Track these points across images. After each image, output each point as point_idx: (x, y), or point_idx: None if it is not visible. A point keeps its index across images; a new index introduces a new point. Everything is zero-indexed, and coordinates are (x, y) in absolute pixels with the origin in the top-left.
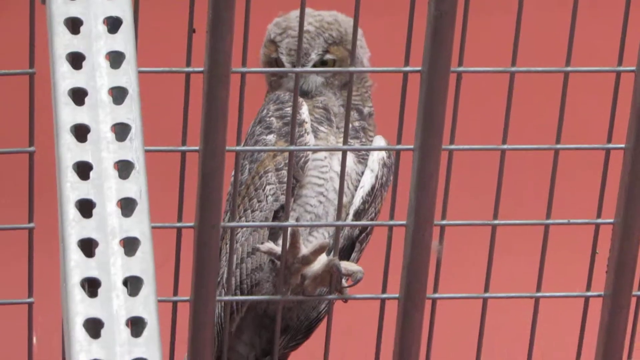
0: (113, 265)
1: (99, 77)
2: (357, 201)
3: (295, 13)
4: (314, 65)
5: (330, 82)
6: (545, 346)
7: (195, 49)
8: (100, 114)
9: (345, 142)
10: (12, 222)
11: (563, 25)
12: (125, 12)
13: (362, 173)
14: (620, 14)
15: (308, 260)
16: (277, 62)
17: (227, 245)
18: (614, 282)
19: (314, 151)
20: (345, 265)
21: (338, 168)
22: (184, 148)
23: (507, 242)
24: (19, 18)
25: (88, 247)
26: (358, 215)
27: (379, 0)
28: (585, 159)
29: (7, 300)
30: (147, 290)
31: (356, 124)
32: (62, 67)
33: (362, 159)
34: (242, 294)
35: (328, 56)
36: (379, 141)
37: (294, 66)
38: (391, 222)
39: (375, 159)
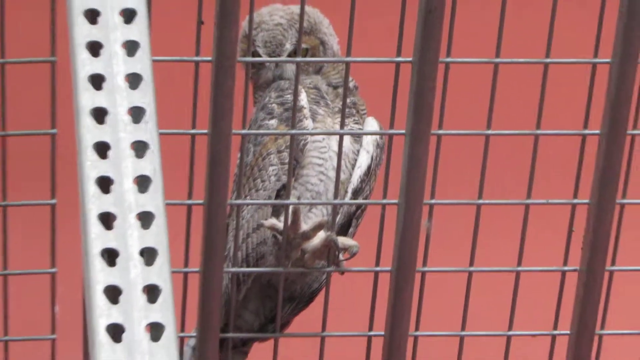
0: (130, 237)
1: (116, 65)
2: (355, 180)
3: (267, 9)
4: (289, 55)
5: (305, 68)
6: (525, 316)
7: (203, 39)
8: (117, 98)
9: (342, 124)
10: (36, 199)
11: (544, 19)
12: (139, 5)
13: (358, 152)
14: (597, 9)
15: (308, 235)
16: (254, 55)
17: (234, 222)
18: (588, 258)
19: (313, 134)
20: (342, 240)
21: (336, 147)
22: (193, 131)
23: (491, 221)
24: (40, 10)
25: (107, 220)
26: (356, 193)
27: (376, 2)
28: (564, 144)
29: (32, 271)
30: (162, 260)
31: (347, 100)
32: (82, 55)
33: (357, 138)
34: (247, 266)
35: (303, 46)
36: (372, 123)
37: (270, 57)
38: (384, 201)
39: (370, 140)
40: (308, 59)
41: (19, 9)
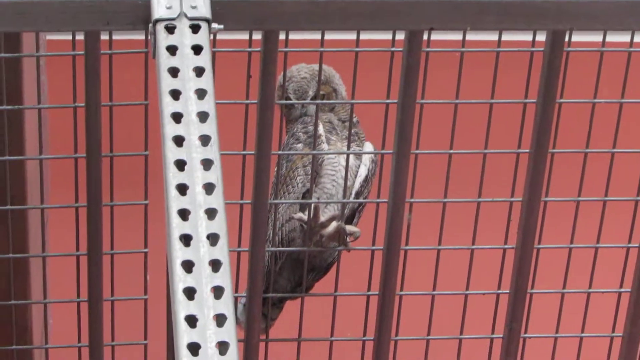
0: (200, 226)
1: (190, 105)
2: (357, 185)
3: (295, 67)
4: (312, 99)
5: (322, 107)
6: (474, 287)
7: (251, 88)
8: (191, 129)
9: (348, 147)
10: (134, 200)
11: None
12: (207, 63)
13: (359, 166)
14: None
15: (324, 225)
16: (287, 99)
17: (273, 215)
18: (522, 238)
19: (328, 154)
20: (349, 228)
21: (344, 163)
22: (244, 152)
23: (455, 215)
24: (136, 67)
25: (184, 214)
26: (357, 195)
27: (369, 59)
28: (506, 160)
29: (131, 250)
30: (222, 242)
31: (352, 131)
32: (167, 99)
33: (358, 157)
34: (282, 246)
35: (321, 92)
36: (368, 146)
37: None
38: (378, 200)
39: (367, 158)
40: (324, 101)
41: (122, 68)
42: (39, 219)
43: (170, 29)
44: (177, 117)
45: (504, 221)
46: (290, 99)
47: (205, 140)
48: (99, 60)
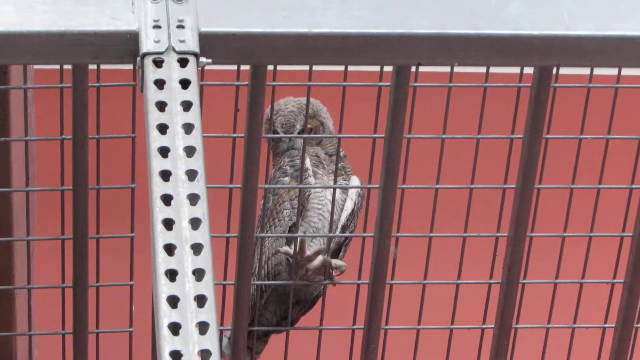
0: (185, 261)
1: (177, 140)
2: (343, 219)
3: (283, 100)
4: (299, 132)
5: (309, 141)
6: (459, 321)
7: (238, 122)
8: (178, 164)
9: (335, 181)
10: (120, 233)
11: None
12: (194, 98)
13: (345, 200)
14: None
15: (310, 258)
16: (274, 133)
17: (259, 249)
18: (507, 274)
19: (315, 187)
20: (335, 262)
21: (330, 197)
22: (231, 185)
23: (441, 250)
24: (124, 100)
25: (169, 249)
26: (344, 229)
27: (357, 92)
28: (493, 195)
29: (116, 283)
30: (208, 277)
31: (339, 165)
32: (154, 133)
33: (345, 191)
34: (267, 280)
35: (308, 126)
36: (355, 180)
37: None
38: (364, 234)
39: (354, 192)
40: (312, 135)
41: (109, 101)
42: (24, 251)
43: (158, 63)
44: (164, 152)
45: (489, 256)
46: (278, 133)
47: (191, 175)
48: (87, 93)
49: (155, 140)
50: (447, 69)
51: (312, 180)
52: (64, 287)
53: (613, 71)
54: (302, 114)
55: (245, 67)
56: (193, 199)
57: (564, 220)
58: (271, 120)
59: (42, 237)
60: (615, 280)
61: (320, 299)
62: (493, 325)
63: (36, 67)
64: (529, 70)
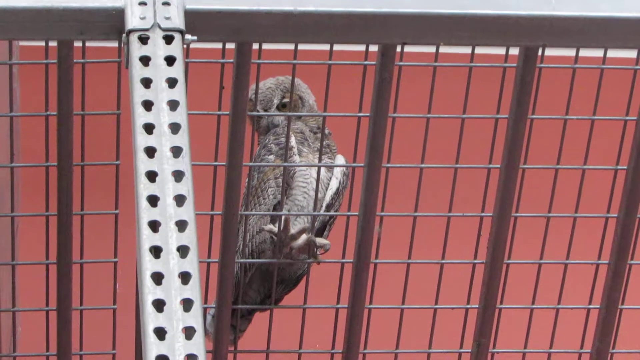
0: (170, 238)
1: (162, 116)
2: (327, 198)
3: (262, 81)
4: (277, 107)
5: (290, 117)
6: (443, 301)
7: (223, 99)
8: (163, 140)
9: (320, 159)
10: (104, 210)
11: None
12: (179, 75)
13: (330, 179)
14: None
15: (295, 237)
16: (258, 112)
17: (243, 227)
18: (492, 254)
19: (300, 166)
20: (319, 240)
21: (315, 175)
22: (216, 163)
23: (425, 229)
24: (109, 76)
25: (154, 226)
26: (328, 207)
27: (342, 72)
28: (478, 175)
29: (100, 260)
30: (192, 254)
31: (324, 143)
32: (139, 109)
33: (330, 169)
34: (252, 258)
35: (285, 100)
36: (341, 159)
37: (265, 111)
38: (348, 213)
39: (338, 170)
40: (297, 113)
41: (95, 76)
42: (9, 227)
43: (144, 40)
44: (149, 128)
45: (474, 236)
46: (258, 111)
47: (176, 151)
48: (72, 69)
49: (140, 116)
50: (433, 49)
51: (297, 158)
52: (48, 263)
53: (598, 53)
54: (279, 89)
55: (230, 47)
56: (178, 175)
57: (549, 200)
58: (255, 100)
59: (26, 213)
60: (599, 261)
61: (305, 278)
62: (477, 305)
63: (21, 44)
64: (514, 51)
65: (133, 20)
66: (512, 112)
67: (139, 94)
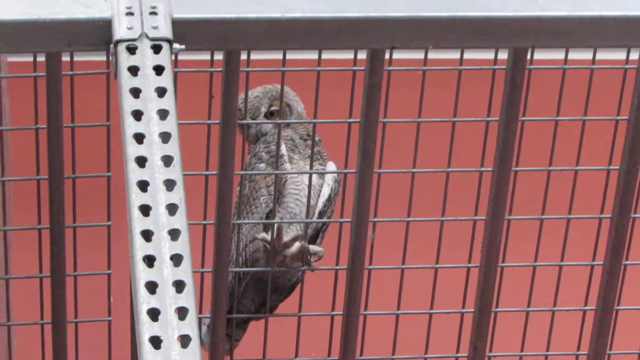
0: (163, 247)
1: (152, 126)
2: (320, 205)
3: (250, 91)
4: (265, 115)
5: (280, 125)
6: (438, 306)
7: (213, 108)
8: (154, 149)
9: (311, 166)
10: (97, 222)
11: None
12: (168, 84)
13: (322, 185)
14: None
15: (288, 245)
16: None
17: (236, 236)
18: (486, 257)
19: (291, 173)
20: (312, 248)
21: (307, 182)
22: (207, 172)
23: (418, 234)
24: (98, 88)
25: (147, 235)
26: (321, 214)
27: (331, 78)
28: (470, 179)
29: (94, 272)
30: (186, 263)
31: (315, 150)
32: (129, 119)
33: (321, 176)
34: (245, 267)
35: (273, 108)
36: (332, 165)
37: (252, 119)
38: (341, 220)
39: (330, 177)
40: (287, 120)
41: (84, 89)
42: (1, 241)
43: (132, 50)
44: (139, 138)
45: (468, 239)
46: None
47: (167, 160)
48: (61, 81)
49: (130, 126)
50: (422, 55)
51: (288, 166)
52: (41, 277)
53: (588, 55)
54: (266, 97)
55: (219, 56)
56: (169, 184)
57: (542, 202)
58: (245, 109)
59: (18, 227)
60: (594, 263)
61: (299, 286)
62: (472, 310)
63: (9, 59)
64: (503, 55)
65: (120, 31)
66: (502, 114)
67: (129, 103)
